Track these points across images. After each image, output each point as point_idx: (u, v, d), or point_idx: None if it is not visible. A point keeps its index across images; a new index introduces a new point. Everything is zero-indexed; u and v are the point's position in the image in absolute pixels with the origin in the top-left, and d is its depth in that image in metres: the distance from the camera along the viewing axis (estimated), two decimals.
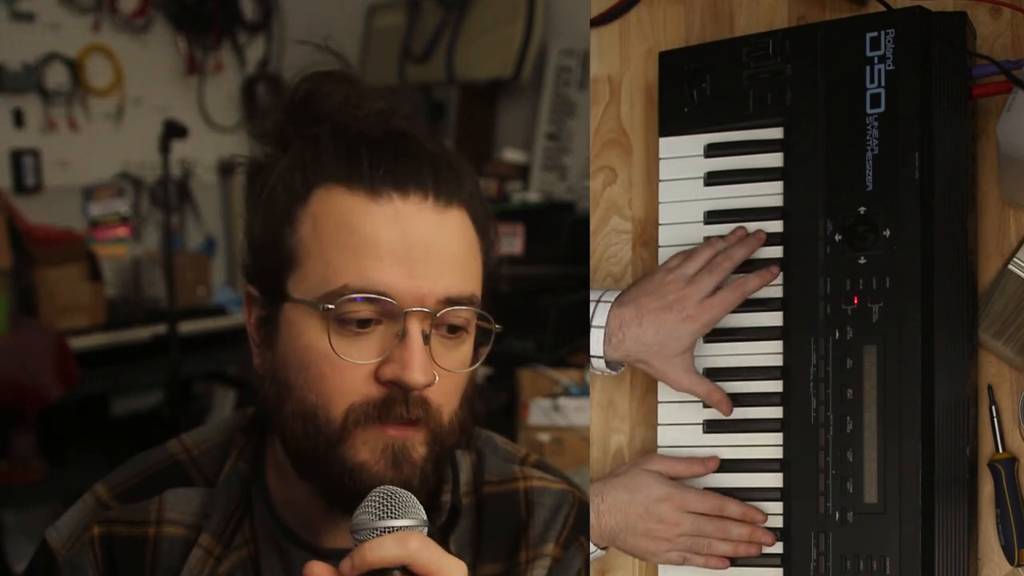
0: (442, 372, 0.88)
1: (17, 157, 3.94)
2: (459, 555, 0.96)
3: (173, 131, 3.40)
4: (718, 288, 1.18)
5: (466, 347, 0.91)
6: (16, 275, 3.40)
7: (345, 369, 0.86)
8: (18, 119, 3.95)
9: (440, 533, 0.97)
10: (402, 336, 0.86)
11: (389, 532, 0.81)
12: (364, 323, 0.86)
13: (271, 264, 0.90)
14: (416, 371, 0.85)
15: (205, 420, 3.87)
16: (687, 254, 1.21)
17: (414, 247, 0.86)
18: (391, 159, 0.88)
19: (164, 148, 3.39)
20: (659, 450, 1.25)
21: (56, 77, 4.04)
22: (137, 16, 4.25)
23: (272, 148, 0.94)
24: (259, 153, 0.95)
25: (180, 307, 3.47)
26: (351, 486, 0.87)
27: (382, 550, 0.79)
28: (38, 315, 3.52)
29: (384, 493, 0.84)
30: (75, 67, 4.09)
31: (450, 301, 0.87)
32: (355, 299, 0.85)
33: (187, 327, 3.49)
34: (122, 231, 4.22)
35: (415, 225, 0.87)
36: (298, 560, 0.96)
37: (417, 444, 0.88)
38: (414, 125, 0.93)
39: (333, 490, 0.88)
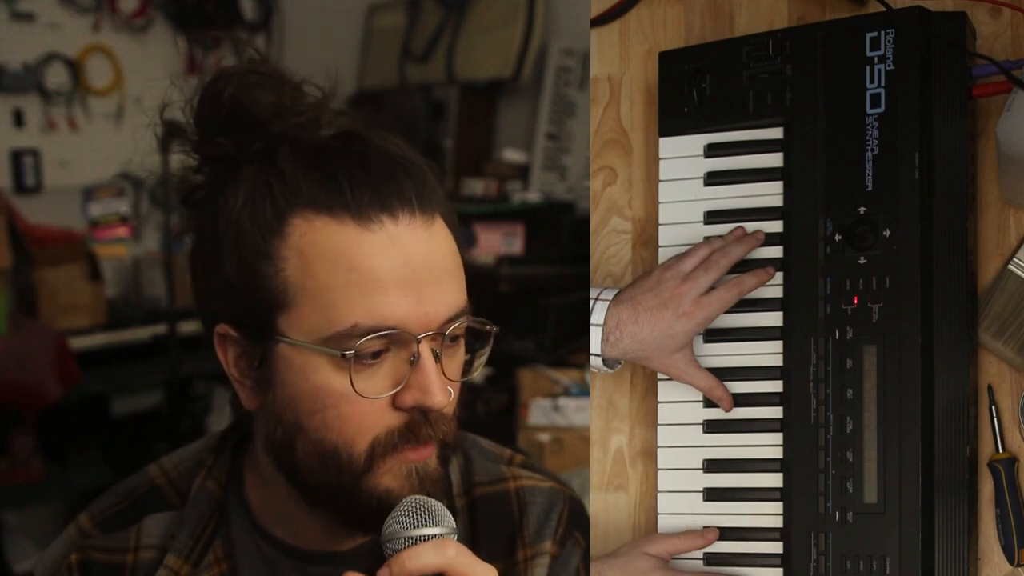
0: (453, 385, 0.87)
1: (17, 157, 3.93)
2: None
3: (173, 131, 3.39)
4: (715, 286, 1.18)
5: (462, 351, 0.90)
6: (16, 275, 3.40)
7: (364, 404, 0.84)
8: (18, 119, 3.95)
9: None
10: (415, 361, 0.84)
11: (422, 540, 0.82)
12: (376, 354, 0.84)
13: (253, 304, 0.85)
14: (438, 394, 0.84)
15: (205, 420, 3.86)
16: (686, 251, 1.21)
17: (416, 272, 0.83)
18: (366, 176, 0.84)
19: (164, 148, 3.38)
20: (659, 450, 1.25)
21: (56, 77, 4.04)
22: (137, 16, 4.24)
23: (206, 165, 0.90)
24: (189, 170, 0.91)
25: (180, 307, 3.47)
26: (378, 511, 0.86)
27: (421, 558, 0.80)
28: (38, 315, 3.52)
29: (414, 502, 0.84)
30: (75, 67, 4.08)
31: (452, 317, 0.86)
32: (367, 337, 0.82)
33: (187, 327, 3.49)
34: (122, 231, 4.22)
35: (411, 247, 0.83)
36: (287, 568, 0.96)
37: (432, 457, 0.88)
38: (356, 121, 0.89)
39: (355, 516, 0.88)
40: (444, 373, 0.86)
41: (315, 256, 0.83)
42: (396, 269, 0.82)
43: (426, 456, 0.87)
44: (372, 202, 0.83)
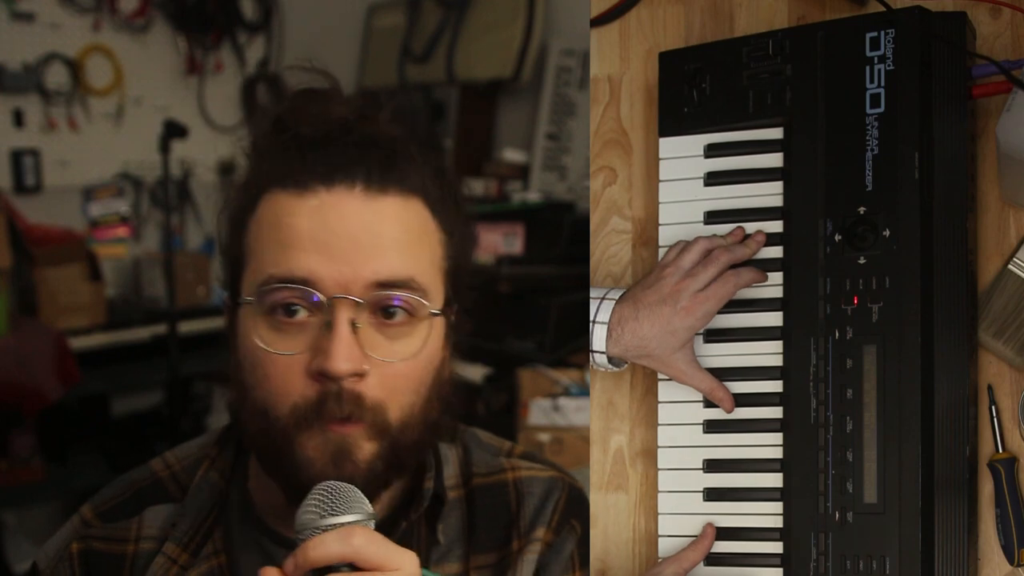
0: (376, 362, 0.87)
1: (17, 157, 3.94)
2: (450, 546, 0.96)
3: (173, 131, 3.40)
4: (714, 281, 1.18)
5: (413, 338, 0.89)
6: (16, 275, 3.40)
7: (281, 365, 0.86)
8: (18, 119, 3.95)
9: (426, 521, 0.98)
10: (329, 326, 0.86)
11: (333, 529, 0.81)
12: (291, 314, 0.86)
13: (230, 271, 0.93)
14: (337, 359, 0.85)
15: (205, 420, 3.87)
16: (684, 247, 1.21)
17: (336, 234, 0.86)
18: (325, 156, 0.89)
19: (164, 148, 3.39)
20: (659, 450, 1.25)
21: (56, 77, 4.04)
22: (137, 16, 4.25)
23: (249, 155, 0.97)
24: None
25: (180, 307, 3.47)
26: (303, 481, 0.87)
27: (325, 547, 0.79)
28: (38, 315, 3.52)
29: (325, 489, 0.84)
30: (75, 67, 4.08)
31: (381, 285, 0.87)
32: (277, 287, 0.86)
33: (187, 327, 3.49)
34: (122, 231, 4.22)
35: (338, 213, 0.87)
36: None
37: (360, 441, 0.87)
38: (378, 119, 0.93)
39: (289, 485, 0.89)
40: (366, 348, 0.86)
41: (262, 222, 0.90)
42: (314, 229, 0.87)
43: (346, 432, 0.87)
44: (313, 174, 0.88)
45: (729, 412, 1.21)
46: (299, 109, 0.93)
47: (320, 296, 0.86)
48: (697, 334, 1.22)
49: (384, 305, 0.88)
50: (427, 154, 0.94)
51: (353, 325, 0.86)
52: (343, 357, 0.85)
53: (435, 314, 0.90)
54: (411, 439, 0.91)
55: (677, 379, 1.21)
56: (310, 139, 0.90)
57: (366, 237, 0.87)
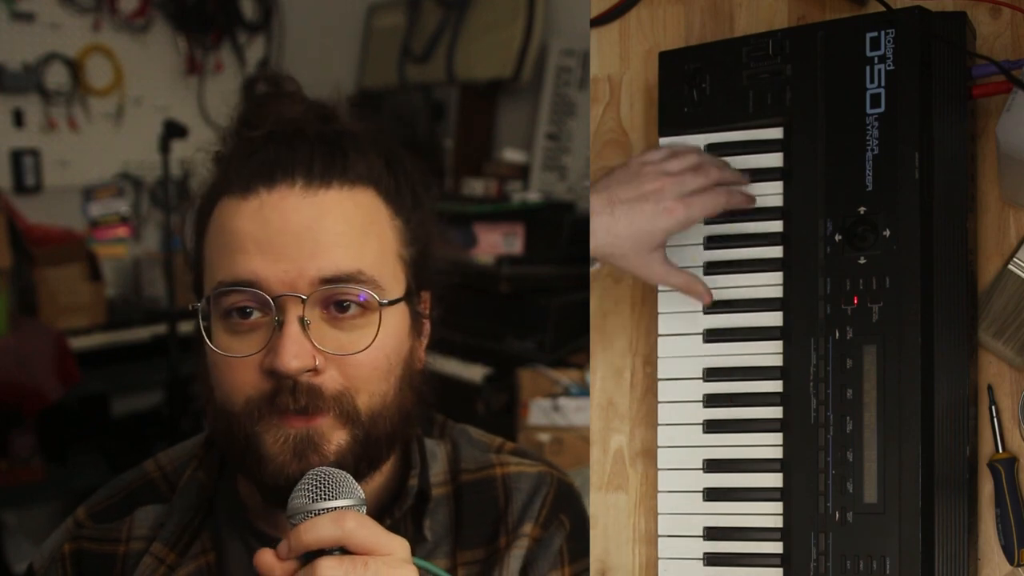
0: (332, 356, 0.87)
1: (17, 157, 3.93)
2: (437, 543, 0.97)
3: (173, 131, 3.40)
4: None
5: (368, 330, 0.89)
6: (16, 275, 3.40)
7: (236, 365, 0.87)
8: (18, 119, 3.95)
9: (412, 518, 0.98)
10: (279, 325, 0.86)
11: (325, 513, 0.81)
12: (246, 315, 0.87)
13: (195, 279, 0.94)
14: (285, 357, 0.85)
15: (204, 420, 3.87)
16: (672, 151, 1.17)
17: (278, 233, 0.87)
18: (268, 156, 0.89)
19: (164, 148, 3.39)
20: (659, 450, 1.25)
21: (56, 77, 4.04)
22: (137, 16, 4.24)
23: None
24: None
25: (180, 307, 3.47)
26: (267, 478, 0.87)
27: (317, 531, 0.80)
28: (38, 315, 3.52)
29: (318, 475, 0.84)
30: (75, 67, 4.08)
31: (327, 281, 0.87)
32: (227, 292, 0.87)
33: (187, 327, 3.49)
34: (122, 231, 4.22)
35: (279, 212, 0.87)
36: None
37: (329, 432, 0.87)
38: (337, 117, 0.94)
39: (258, 482, 0.89)
40: (317, 342, 0.87)
41: (214, 228, 0.91)
42: (257, 231, 0.87)
43: (309, 425, 0.87)
44: (256, 175, 0.89)
45: (707, 305, 1.19)
46: (255, 113, 0.93)
47: (268, 296, 0.86)
48: (696, 333, 1.22)
49: (335, 300, 0.88)
50: (380, 144, 0.94)
51: (303, 322, 0.86)
52: (291, 355, 0.85)
53: (385, 304, 0.89)
54: (384, 429, 0.91)
55: (650, 279, 1.18)
56: (259, 141, 0.91)
57: (309, 234, 0.87)
